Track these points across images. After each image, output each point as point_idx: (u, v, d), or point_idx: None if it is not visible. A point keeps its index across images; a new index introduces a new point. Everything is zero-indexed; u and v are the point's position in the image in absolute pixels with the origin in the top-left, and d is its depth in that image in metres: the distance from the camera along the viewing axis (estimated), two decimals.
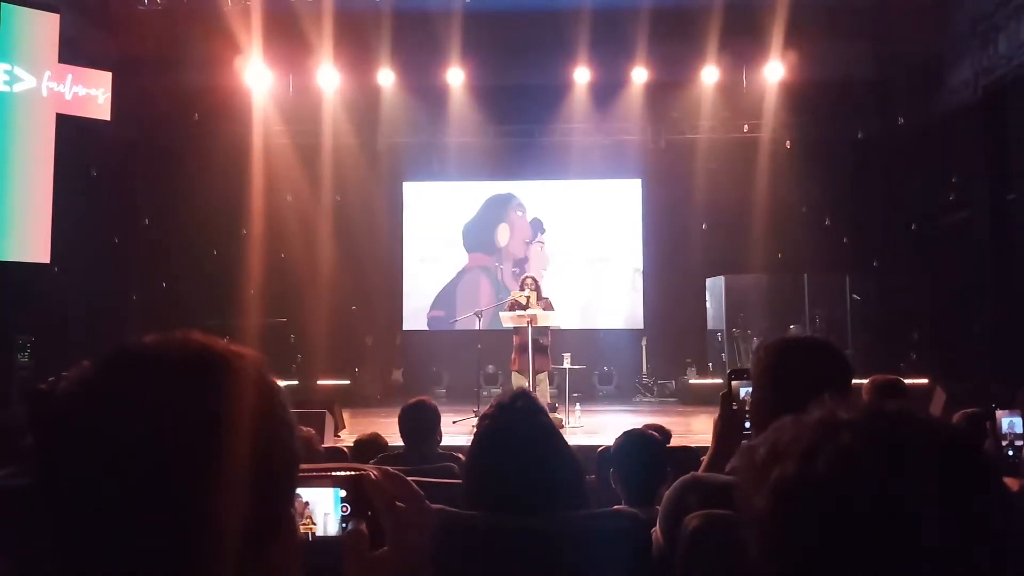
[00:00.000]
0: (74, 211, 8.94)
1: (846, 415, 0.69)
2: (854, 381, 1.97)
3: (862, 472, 0.65)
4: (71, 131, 9.02)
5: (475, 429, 1.91)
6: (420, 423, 3.74)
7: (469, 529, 1.74)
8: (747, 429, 2.04)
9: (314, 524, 0.90)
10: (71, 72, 9.18)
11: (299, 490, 0.87)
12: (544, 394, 8.37)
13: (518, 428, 1.81)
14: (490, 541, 1.73)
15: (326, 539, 0.90)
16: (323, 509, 0.91)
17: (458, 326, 10.14)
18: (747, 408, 2.05)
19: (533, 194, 12.42)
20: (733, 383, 2.11)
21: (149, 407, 0.68)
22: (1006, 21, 8.95)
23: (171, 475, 0.67)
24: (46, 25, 9.04)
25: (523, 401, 1.88)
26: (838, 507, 0.64)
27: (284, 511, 0.76)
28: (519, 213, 12.40)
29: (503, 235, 12.39)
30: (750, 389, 2.01)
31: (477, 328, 8.87)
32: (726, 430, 2.10)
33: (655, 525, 1.95)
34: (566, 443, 1.89)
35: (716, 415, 2.16)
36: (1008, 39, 8.94)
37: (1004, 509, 0.65)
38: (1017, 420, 2.71)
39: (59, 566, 0.69)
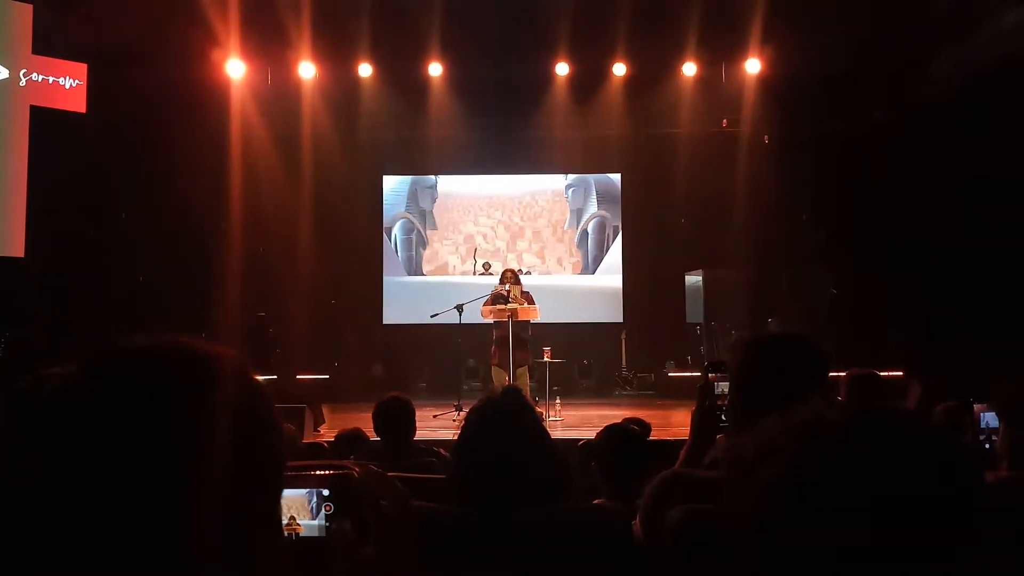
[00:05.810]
0: (49, 205, 8.83)
1: (832, 417, 0.71)
2: (831, 374, 1.98)
3: (849, 475, 0.66)
4: (46, 123, 8.90)
5: (462, 424, 1.91)
6: (395, 419, 3.76)
7: (453, 524, 1.74)
8: (724, 422, 2.05)
9: (299, 524, 0.91)
10: (45, 63, 9.05)
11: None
12: (524, 388, 8.38)
13: (505, 424, 1.82)
14: (474, 536, 1.73)
15: (311, 539, 0.90)
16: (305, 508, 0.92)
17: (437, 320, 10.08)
18: (721, 403, 2.05)
19: (510, 187, 12.41)
20: (710, 376, 2.11)
21: (132, 411, 0.68)
22: (987, 14, 9.02)
23: (155, 479, 0.67)
24: (19, 16, 8.91)
25: (511, 398, 1.89)
26: (825, 509, 0.66)
27: (269, 514, 0.76)
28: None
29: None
30: (727, 384, 2.01)
31: (458, 322, 8.85)
32: (703, 424, 2.10)
33: (635, 520, 1.97)
34: (552, 441, 1.90)
35: (694, 408, 2.16)
36: (989, 31, 9.01)
37: (989, 506, 0.67)
38: (993, 414, 2.74)
39: (44, 569, 0.69)
